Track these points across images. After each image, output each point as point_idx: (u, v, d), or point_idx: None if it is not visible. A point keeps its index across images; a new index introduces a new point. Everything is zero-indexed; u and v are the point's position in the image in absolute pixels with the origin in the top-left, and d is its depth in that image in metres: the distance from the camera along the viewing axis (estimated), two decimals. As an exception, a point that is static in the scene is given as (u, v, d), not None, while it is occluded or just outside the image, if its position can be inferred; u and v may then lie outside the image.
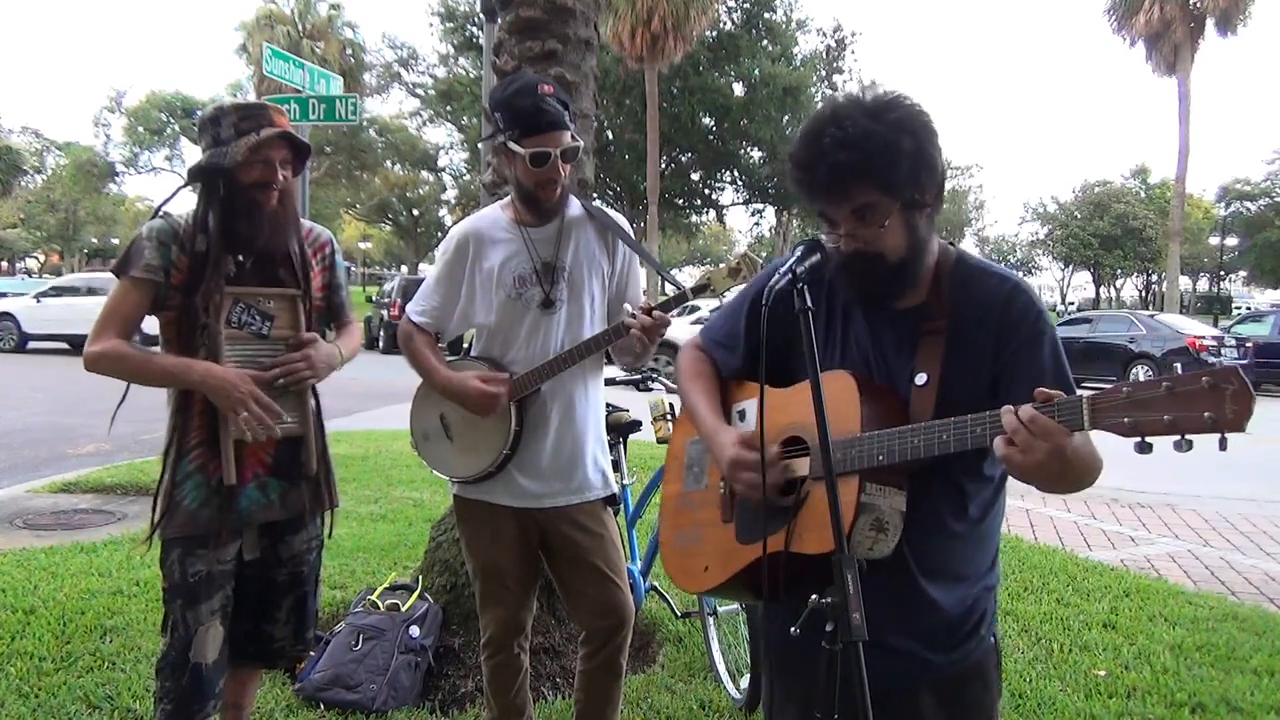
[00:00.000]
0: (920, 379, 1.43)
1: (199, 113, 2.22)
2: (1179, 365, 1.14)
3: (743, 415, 1.62)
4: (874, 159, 1.33)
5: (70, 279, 22.04)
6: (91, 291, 18.06)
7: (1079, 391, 1.38)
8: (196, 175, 2.16)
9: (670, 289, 2.26)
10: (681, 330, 12.66)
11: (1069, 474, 1.26)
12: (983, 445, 1.28)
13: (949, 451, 1.30)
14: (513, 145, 2.21)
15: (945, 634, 1.49)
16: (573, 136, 2.26)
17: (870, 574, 1.30)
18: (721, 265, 2.17)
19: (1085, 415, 1.17)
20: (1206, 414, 1.07)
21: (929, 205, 1.42)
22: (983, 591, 1.53)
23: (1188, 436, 1.10)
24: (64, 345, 18.02)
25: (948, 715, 1.50)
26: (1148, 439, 1.13)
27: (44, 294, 19.16)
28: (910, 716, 1.46)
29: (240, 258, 2.18)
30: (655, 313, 2.12)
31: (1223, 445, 1.09)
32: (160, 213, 2.19)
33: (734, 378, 1.69)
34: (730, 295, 1.97)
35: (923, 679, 1.47)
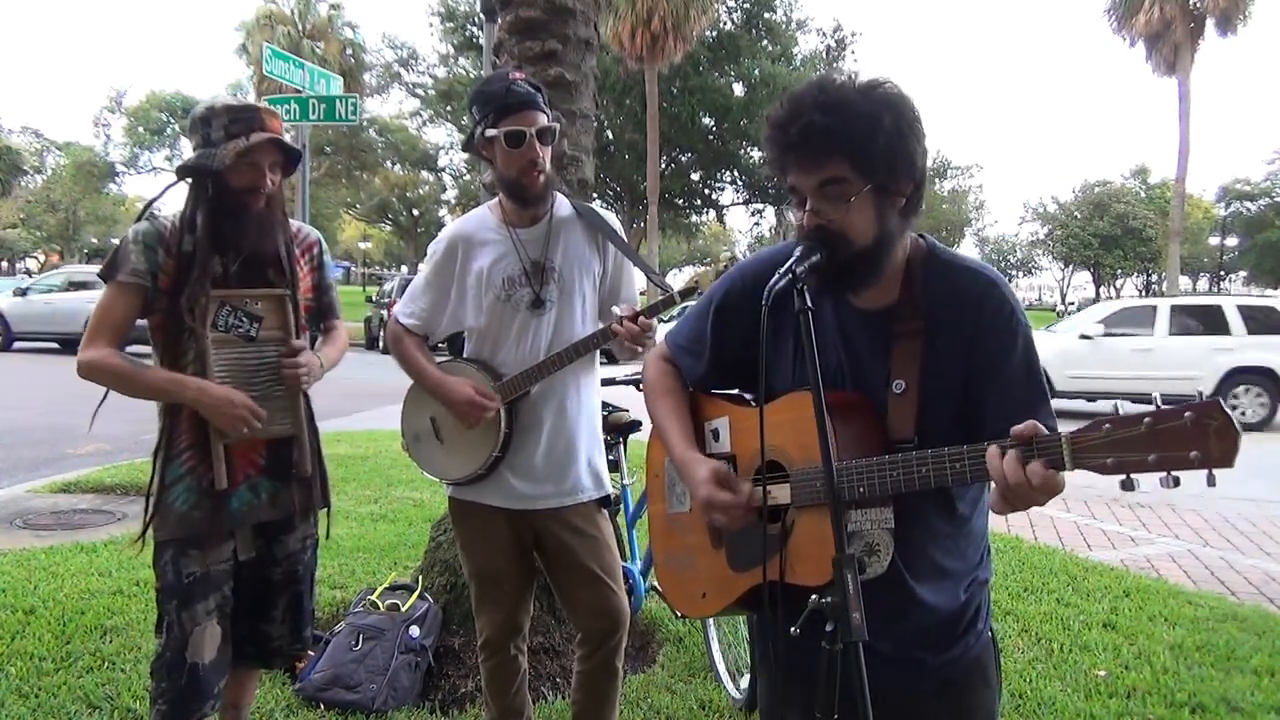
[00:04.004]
0: (898, 386, 1.39)
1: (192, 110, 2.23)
2: (1158, 398, 1.10)
3: (716, 434, 1.58)
4: (850, 127, 1.30)
5: (49, 276, 20.38)
6: (73, 285, 17.37)
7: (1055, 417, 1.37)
8: (185, 174, 2.17)
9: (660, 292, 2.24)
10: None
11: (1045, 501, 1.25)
12: (964, 482, 1.26)
13: (930, 487, 1.27)
14: (489, 131, 2.21)
15: (941, 632, 1.47)
16: (548, 119, 2.24)
17: (862, 583, 1.29)
18: (709, 267, 2.15)
19: (1066, 456, 1.14)
20: (1193, 453, 1.04)
21: (903, 197, 1.37)
22: (976, 586, 1.51)
23: (1174, 474, 1.07)
24: (53, 344, 17.20)
25: (951, 715, 1.49)
26: (1132, 477, 1.10)
27: (25, 290, 17.89)
28: (914, 718, 1.45)
29: (227, 260, 2.18)
30: (641, 320, 2.12)
31: (1211, 481, 1.06)
32: (147, 214, 2.19)
33: (701, 385, 1.65)
34: None
35: (923, 680, 1.46)
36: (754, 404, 1.56)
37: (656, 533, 1.73)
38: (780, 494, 1.42)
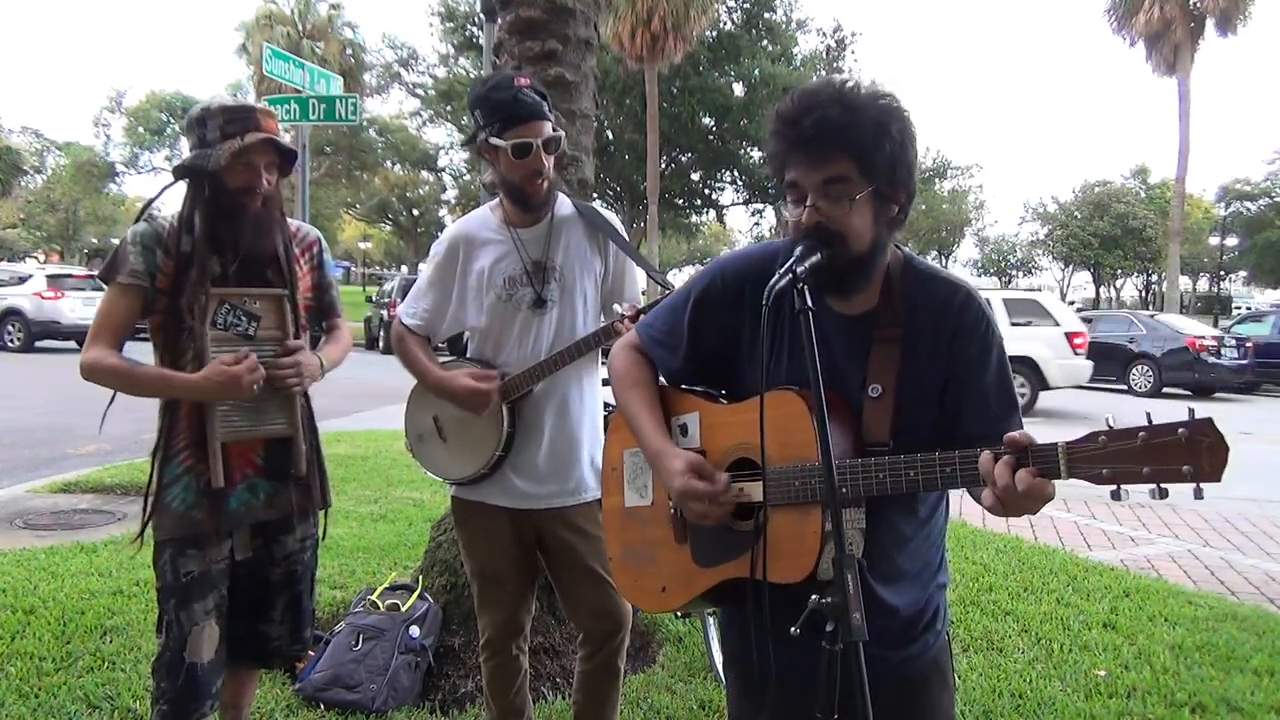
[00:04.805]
0: (874, 390, 1.41)
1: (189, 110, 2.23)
2: (1150, 415, 1.14)
3: (684, 429, 1.57)
4: (862, 128, 1.32)
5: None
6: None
7: (1025, 417, 1.41)
8: (181, 174, 2.17)
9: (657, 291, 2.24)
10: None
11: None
12: (953, 485, 1.27)
13: (917, 490, 1.29)
14: (494, 140, 2.20)
15: (902, 631, 1.49)
16: (553, 127, 2.24)
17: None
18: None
19: (1062, 465, 1.17)
20: (1185, 468, 1.09)
21: (897, 205, 1.40)
22: (935, 589, 1.53)
23: (1163, 486, 1.11)
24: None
25: (911, 714, 1.50)
26: (1123, 487, 1.14)
27: None
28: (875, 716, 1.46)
29: (226, 259, 2.18)
30: (642, 317, 2.12)
31: (1198, 494, 1.09)
32: (145, 215, 2.19)
33: (674, 379, 1.64)
34: None
35: (886, 678, 1.45)
36: (726, 400, 1.56)
37: (613, 527, 1.71)
38: (753, 490, 1.42)
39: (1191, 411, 1.11)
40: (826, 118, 1.31)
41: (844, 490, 1.31)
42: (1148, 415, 1.14)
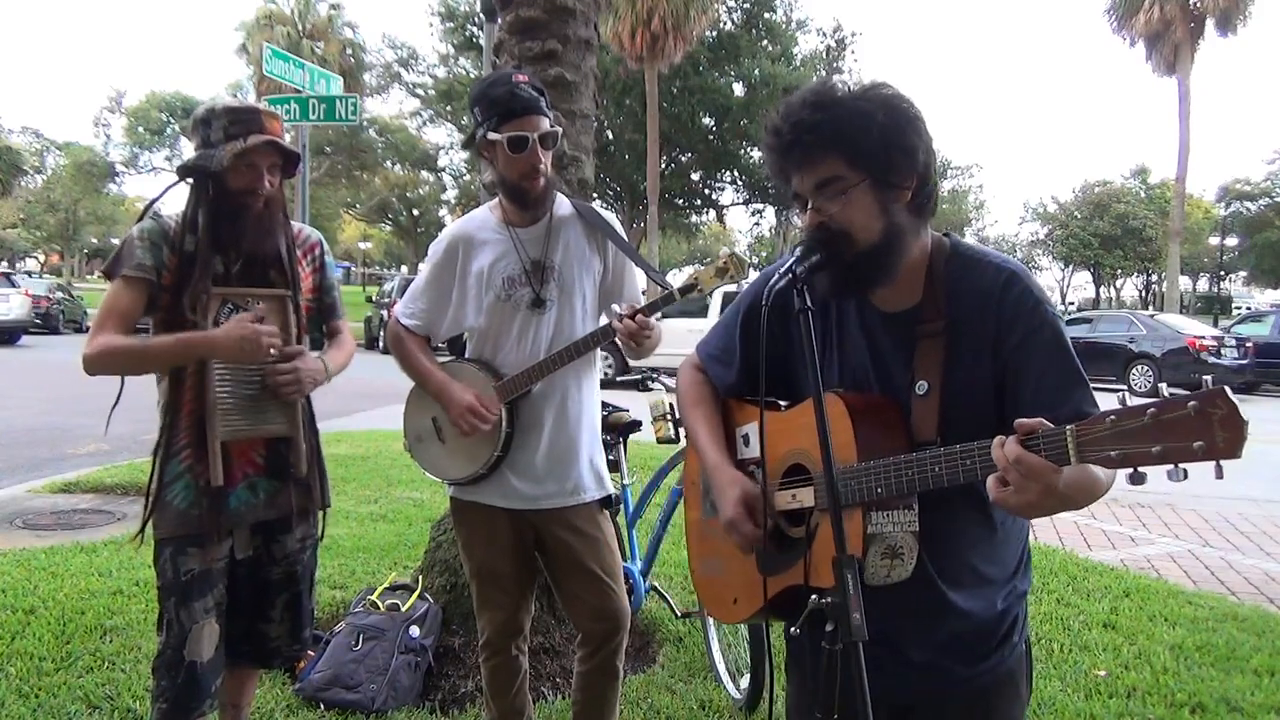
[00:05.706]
0: (920, 387, 1.37)
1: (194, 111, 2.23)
2: (1165, 388, 1.06)
3: (746, 440, 1.59)
4: (842, 123, 1.30)
5: None
6: None
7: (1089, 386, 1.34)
8: (184, 175, 2.17)
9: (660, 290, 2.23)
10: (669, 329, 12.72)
11: (1067, 505, 1.21)
12: (974, 478, 1.22)
13: (943, 485, 1.25)
14: (491, 134, 2.20)
15: (977, 643, 1.44)
16: (551, 123, 2.23)
17: (892, 589, 1.28)
18: (709, 265, 2.14)
19: (1071, 449, 1.10)
20: (1197, 443, 1.00)
21: (907, 191, 1.35)
22: (1014, 598, 1.48)
23: (1181, 466, 1.03)
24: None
25: None
26: (1140, 470, 1.06)
27: None
28: None
29: (229, 259, 2.18)
30: (639, 317, 2.12)
31: (1219, 474, 1.01)
32: (150, 213, 2.19)
33: (732, 393, 1.65)
34: (718, 294, 1.93)
35: (953, 690, 1.44)
36: (785, 408, 1.55)
37: (692, 539, 1.73)
38: (805, 497, 1.41)
39: (1206, 383, 1.03)
40: (802, 121, 1.31)
41: (879, 490, 1.29)
42: (1162, 391, 1.06)
